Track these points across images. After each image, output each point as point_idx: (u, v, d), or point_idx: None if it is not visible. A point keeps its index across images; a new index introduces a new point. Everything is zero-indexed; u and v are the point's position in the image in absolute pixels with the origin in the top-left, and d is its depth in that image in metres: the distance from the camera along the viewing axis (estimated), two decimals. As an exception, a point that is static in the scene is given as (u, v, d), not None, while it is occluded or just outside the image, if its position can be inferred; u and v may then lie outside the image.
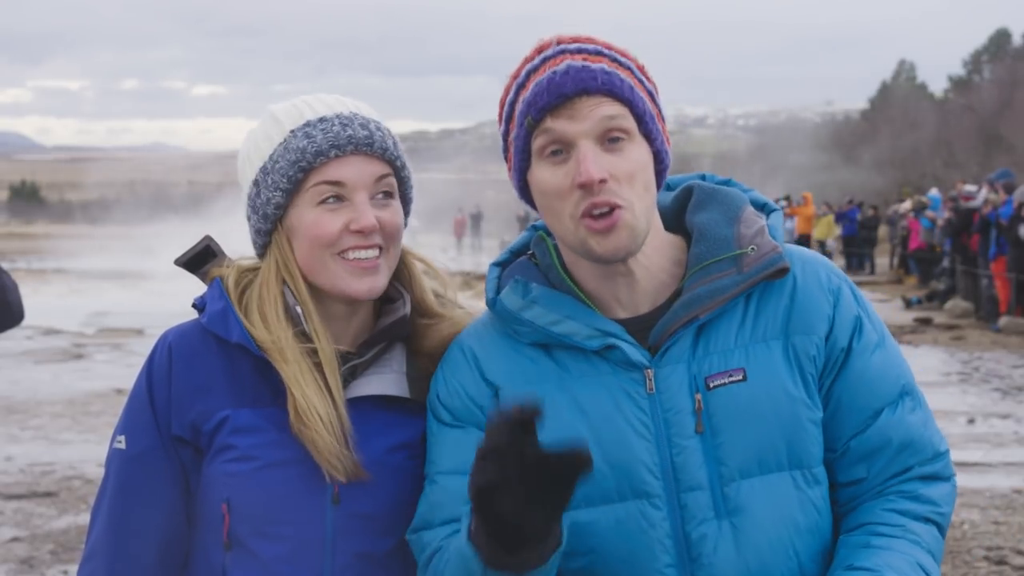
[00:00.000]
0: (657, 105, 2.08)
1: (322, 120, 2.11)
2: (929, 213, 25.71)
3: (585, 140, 2.00)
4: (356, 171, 2.09)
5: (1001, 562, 7.01)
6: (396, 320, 2.18)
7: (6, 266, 4.60)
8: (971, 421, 11.46)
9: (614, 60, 2.04)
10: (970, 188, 22.87)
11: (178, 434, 2.10)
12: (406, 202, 2.20)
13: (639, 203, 2.02)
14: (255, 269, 2.18)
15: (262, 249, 2.17)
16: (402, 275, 2.24)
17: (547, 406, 1.96)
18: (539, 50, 2.07)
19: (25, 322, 4.59)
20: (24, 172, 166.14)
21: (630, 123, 2.02)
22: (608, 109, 2.00)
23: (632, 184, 2.01)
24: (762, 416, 2.03)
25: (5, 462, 9.86)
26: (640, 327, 2.08)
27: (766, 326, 2.07)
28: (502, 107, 2.10)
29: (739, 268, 2.05)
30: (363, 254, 2.10)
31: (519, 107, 2.04)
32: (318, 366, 2.09)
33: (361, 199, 2.09)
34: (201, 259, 2.23)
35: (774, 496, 2.03)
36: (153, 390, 2.12)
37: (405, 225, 2.21)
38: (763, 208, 2.20)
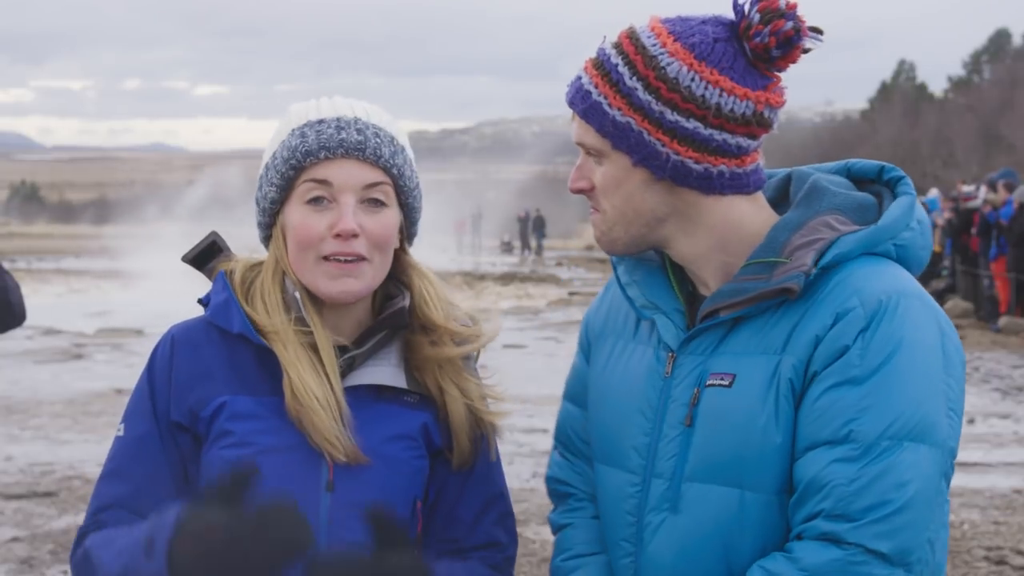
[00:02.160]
0: (648, 113, 2.01)
1: (320, 122, 2.14)
2: (934, 216, 25.71)
3: (580, 149, 2.12)
4: (344, 174, 2.11)
5: (1001, 562, 7.01)
6: (394, 311, 2.19)
7: (6, 266, 4.59)
8: (971, 421, 11.46)
9: (605, 73, 2.05)
10: (968, 188, 22.87)
11: (177, 420, 2.13)
12: (409, 211, 2.20)
13: (612, 213, 2.09)
14: (262, 263, 2.22)
15: (265, 241, 2.23)
16: (404, 280, 2.24)
17: (608, 360, 2.20)
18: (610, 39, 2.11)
19: (25, 322, 4.58)
20: (24, 172, 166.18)
21: (596, 142, 2.06)
22: (577, 129, 2.11)
23: (606, 196, 2.09)
24: (730, 427, 1.99)
25: (5, 462, 9.86)
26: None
27: (772, 340, 2.01)
28: None
29: (770, 276, 2.01)
30: (342, 258, 2.11)
31: None
32: (316, 354, 2.11)
33: (346, 202, 2.11)
34: (207, 255, 2.26)
35: (716, 508, 2.00)
36: (154, 379, 2.16)
37: (411, 236, 2.23)
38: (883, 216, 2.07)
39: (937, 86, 70.44)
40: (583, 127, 2.07)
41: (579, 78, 2.09)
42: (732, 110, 2.00)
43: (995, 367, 15.28)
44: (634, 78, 2.02)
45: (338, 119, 2.14)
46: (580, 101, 2.07)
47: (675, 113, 2.00)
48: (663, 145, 2.01)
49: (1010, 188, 18.96)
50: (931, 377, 1.96)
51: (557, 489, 2.32)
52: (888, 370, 1.93)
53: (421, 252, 2.34)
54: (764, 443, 1.98)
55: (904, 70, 72.15)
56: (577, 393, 2.31)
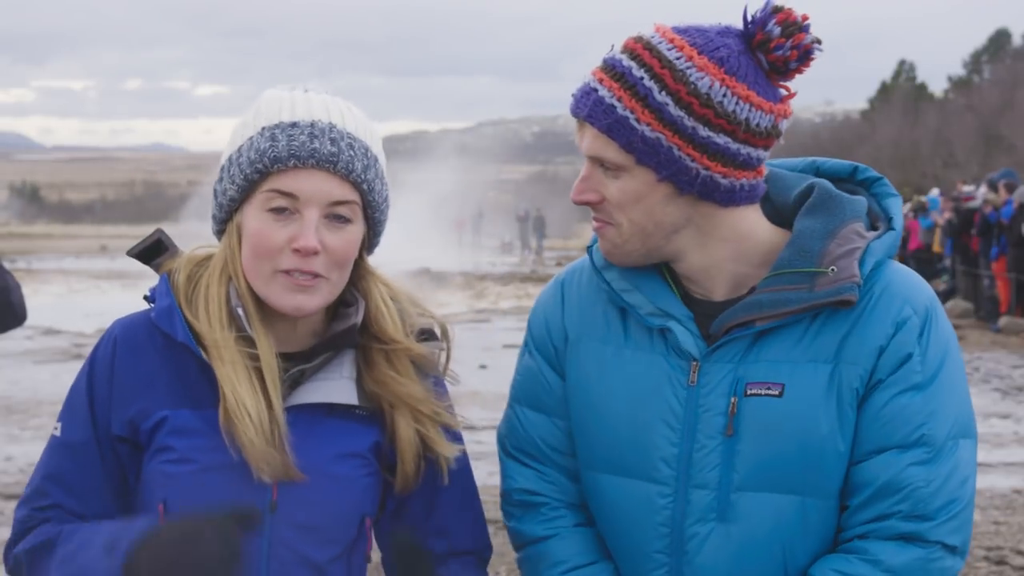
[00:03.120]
0: (680, 129, 1.98)
1: (294, 125, 2.02)
2: (934, 215, 25.71)
3: (587, 161, 2.07)
4: (312, 187, 2.01)
5: (1001, 562, 7.01)
6: (345, 329, 2.10)
7: (6, 266, 4.59)
8: (971, 421, 11.44)
9: (629, 87, 2.00)
10: (968, 188, 22.86)
11: (117, 433, 2.07)
12: (374, 223, 2.11)
13: (630, 227, 2.06)
14: (210, 257, 2.13)
15: (219, 235, 2.13)
16: (360, 287, 2.15)
17: (601, 367, 2.14)
18: (618, 48, 2.05)
19: (25, 322, 4.58)
20: (24, 172, 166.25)
21: (618, 157, 2.02)
22: (595, 143, 2.04)
23: (623, 210, 2.05)
24: (786, 436, 2.00)
25: (5, 462, 9.86)
26: (713, 312, 2.09)
27: (821, 348, 2.02)
28: None
29: (811, 286, 2.01)
30: (299, 275, 2.02)
31: None
32: (258, 370, 2.03)
33: (310, 216, 2.01)
34: (154, 252, 2.18)
35: (776, 516, 2.02)
36: (93, 384, 2.09)
37: (371, 249, 2.15)
38: (890, 221, 2.12)
39: (937, 86, 70.38)
40: (603, 141, 2.02)
41: (595, 90, 2.03)
42: (758, 124, 2.01)
43: (995, 367, 15.27)
44: (663, 93, 1.98)
45: (312, 124, 2.02)
46: (602, 116, 2.01)
47: (707, 129, 1.98)
48: (693, 160, 2.00)
49: (1010, 188, 18.95)
50: (963, 374, 2.08)
51: (525, 500, 2.23)
52: (943, 374, 2.03)
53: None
54: (827, 450, 2.00)
55: (904, 70, 72.06)
56: (540, 400, 2.23)
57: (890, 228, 2.11)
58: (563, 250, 57.31)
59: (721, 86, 1.98)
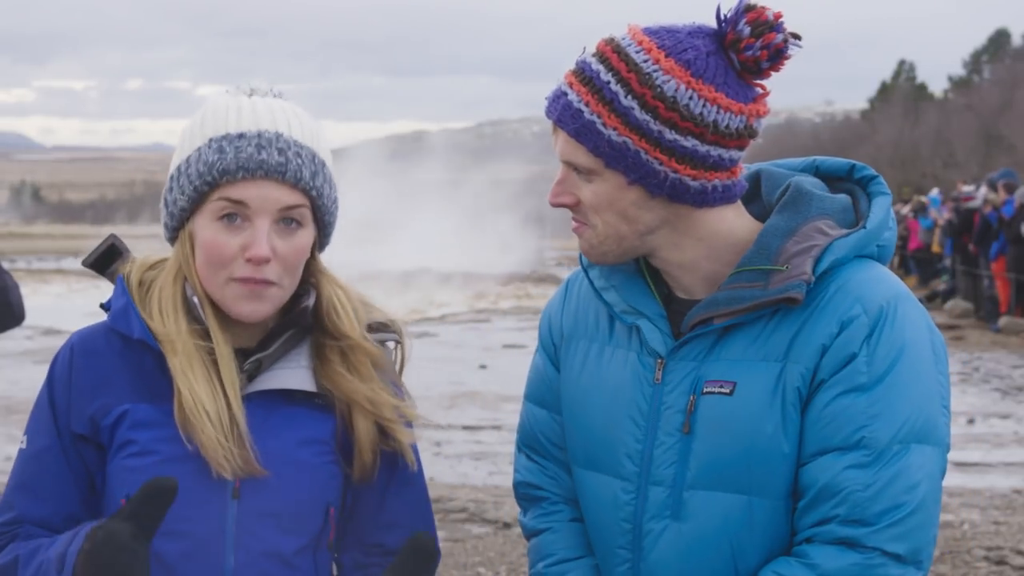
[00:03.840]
0: (646, 132, 1.98)
1: (240, 136, 2.04)
2: (933, 212, 25.70)
3: (561, 164, 2.08)
4: (262, 196, 2.03)
5: (1001, 562, 7.00)
6: (299, 311, 2.12)
7: (6, 266, 4.59)
8: (971, 421, 11.47)
9: (596, 91, 2.00)
10: (968, 188, 22.88)
11: (79, 432, 2.08)
12: (324, 226, 2.13)
13: (604, 229, 2.06)
14: (162, 261, 2.16)
15: (171, 242, 2.15)
16: (312, 284, 2.16)
17: (584, 364, 2.17)
18: (590, 50, 2.05)
19: (25, 322, 4.58)
20: (24, 172, 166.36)
21: (588, 161, 2.02)
22: (566, 147, 2.04)
23: (598, 213, 2.05)
24: (734, 435, 2.00)
25: (5, 462, 9.86)
26: (689, 311, 2.09)
27: (773, 347, 2.01)
28: None
29: (766, 284, 2.00)
30: (253, 282, 2.04)
31: None
32: (214, 363, 2.05)
33: (261, 225, 2.03)
34: (109, 259, 2.20)
35: (724, 515, 2.01)
36: (54, 391, 2.11)
37: (322, 247, 2.16)
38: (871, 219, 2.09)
39: (937, 86, 70.38)
40: (573, 146, 2.02)
41: (564, 94, 2.03)
42: (728, 125, 1.99)
43: (995, 367, 15.28)
44: (629, 96, 1.98)
45: (259, 134, 2.04)
46: (571, 120, 2.01)
47: (674, 132, 1.97)
48: (661, 164, 1.99)
49: (1010, 188, 18.96)
50: (928, 377, 2.00)
51: (528, 493, 2.29)
52: (894, 376, 1.96)
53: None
54: (771, 450, 1.99)
55: (904, 70, 72.05)
56: (543, 396, 2.28)
57: (866, 227, 2.07)
58: (563, 250, 57.30)
59: (687, 89, 1.96)
